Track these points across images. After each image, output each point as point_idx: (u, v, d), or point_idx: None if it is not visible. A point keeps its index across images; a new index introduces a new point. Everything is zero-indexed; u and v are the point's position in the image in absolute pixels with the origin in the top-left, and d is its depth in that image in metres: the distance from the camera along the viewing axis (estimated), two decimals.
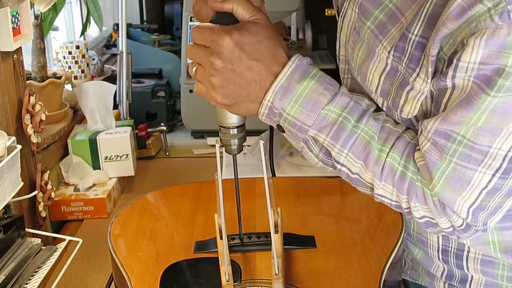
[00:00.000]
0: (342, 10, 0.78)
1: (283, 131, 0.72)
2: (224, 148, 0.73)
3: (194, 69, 0.70)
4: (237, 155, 0.74)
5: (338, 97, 0.69)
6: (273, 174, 0.99)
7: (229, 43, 0.66)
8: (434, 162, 0.66)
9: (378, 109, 0.73)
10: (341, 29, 0.79)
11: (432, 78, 0.65)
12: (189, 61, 0.72)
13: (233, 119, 0.72)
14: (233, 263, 0.74)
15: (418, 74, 0.66)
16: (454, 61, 0.61)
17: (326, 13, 2.60)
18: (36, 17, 1.40)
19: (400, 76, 0.68)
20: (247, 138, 0.75)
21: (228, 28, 0.66)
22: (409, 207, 0.70)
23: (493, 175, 0.64)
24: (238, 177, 0.76)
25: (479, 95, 0.61)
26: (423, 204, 0.69)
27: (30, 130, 1.16)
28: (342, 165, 0.71)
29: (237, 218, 0.78)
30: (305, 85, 0.68)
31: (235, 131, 0.72)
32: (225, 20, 0.67)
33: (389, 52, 0.69)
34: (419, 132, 0.69)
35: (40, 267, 0.93)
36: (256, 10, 0.68)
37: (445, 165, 0.65)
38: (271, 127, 0.83)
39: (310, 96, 0.68)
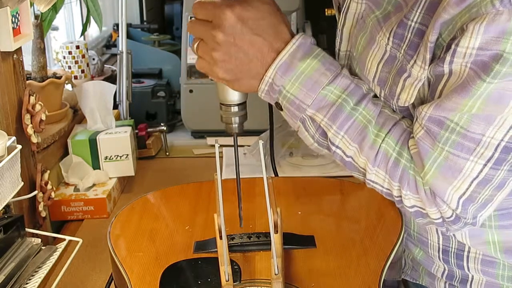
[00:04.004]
0: (344, 5, 0.78)
1: (281, 109, 0.72)
2: (225, 127, 0.73)
3: (195, 44, 0.70)
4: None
5: (339, 79, 0.69)
6: (276, 174, 0.99)
7: (231, 17, 0.66)
8: (427, 150, 0.66)
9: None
10: (343, 24, 0.79)
11: (430, 64, 0.65)
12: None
13: (234, 96, 0.71)
14: (232, 263, 0.74)
15: (415, 61, 0.66)
16: (453, 46, 0.61)
17: (326, 13, 2.59)
18: (36, 17, 1.40)
19: (398, 63, 0.68)
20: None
21: (230, 2, 0.66)
22: (400, 195, 0.70)
23: (485, 165, 0.64)
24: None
25: (475, 81, 0.60)
26: (414, 193, 0.69)
27: (30, 130, 1.16)
28: (337, 147, 0.71)
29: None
30: (307, 63, 0.68)
31: (236, 108, 0.72)
32: None
33: (388, 39, 0.69)
34: (414, 119, 0.69)
35: (40, 267, 0.93)
36: None
37: (437, 153, 0.65)
38: (271, 127, 0.83)
39: (312, 75, 0.68)
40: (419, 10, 0.66)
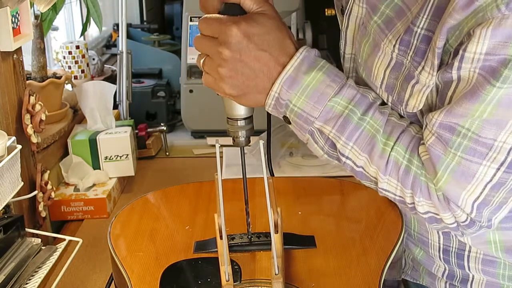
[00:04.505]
0: (347, 7, 0.78)
1: (289, 123, 0.72)
2: (231, 141, 0.73)
3: (202, 60, 0.70)
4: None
5: (345, 90, 0.69)
6: (272, 174, 0.99)
7: (237, 33, 0.66)
8: (439, 156, 0.66)
9: (384, 103, 0.73)
10: (347, 27, 0.79)
11: (438, 70, 0.65)
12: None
13: (240, 111, 0.72)
14: (233, 263, 0.74)
15: (423, 67, 0.66)
16: (460, 52, 0.61)
17: (326, 13, 2.59)
18: (36, 17, 1.40)
19: (405, 70, 0.68)
20: None
21: (236, 18, 0.67)
22: (413, 202, 0.70)
23: (498, 169, 0.64)
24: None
25: (484, 86, 0.60)
26: (427, 199, 0.69)
27: (30, 130, 1.16)
28: (347, 158, 0.71)
29: (245, 214, 0.77)
30: (312, 76, 0.68)
31: (242, 122, 0.72)
32: (233, 11, 0.68)
33: (394, 46, 0.69)
34: (423, 126, 0.69)
35: (40, 267, 0.93)
36: (264, 2, 0.69)
37: (450, 159, 0.65)
38: (268, 128, 0.83)
39: (317, 87, 0.68)
40: (425, 16, 0.66)
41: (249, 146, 1.58)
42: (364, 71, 0.75)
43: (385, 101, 0.73)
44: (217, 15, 0.68)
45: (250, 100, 0.70)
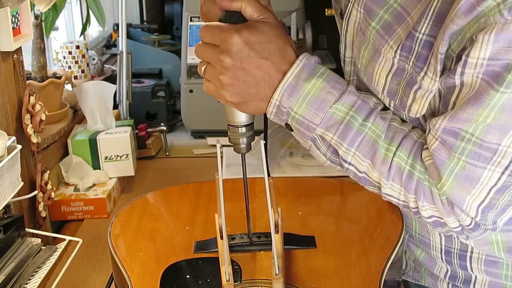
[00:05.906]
0: (347, 11, 0.78)
1: (291, 130, 0.72)
2: (232, 147, 0.73)
3: (203, 68, 0.70)
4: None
5: (346, 96, 0.69)
6: (268, 174, 1.00)
7: (238, 42, 0.66)
8: (443, 160, 0.66)
9: (385, 108, 0.73)
10: (346, 30, 0.79)
11: (441, 76, 0.65)
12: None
13: (241, 118, 0.72)
14: (233, 263, 0.74)
15: (425, 73, 0.66)
16: (463, 57, 0.61)
17: (326, 13, 2.59)
18: (36, 17, 1.40)
19: (407, 76, 0.68)
20: None
21: (237, 26, 0.67)
22: (417, 207, 0.70)
23: (502, 172, 0.64)
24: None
25: (488, 91, 0.60)
26: (431, 204, 0.69)
27: (30, 130, 1.16)
28: (349, 164, 0.71)
29: (246, 217, 0.77)
30: (313, 83, 0.68)
31: (243, 129, 0.72)
32: (234, 19, 0.68)
33: (395, 52, 0.68)
34: (427, 131, 0.69)
35: (40, 267, 0.93)
36: (264, 9, 0.69)
37: (454, 163, 0.65)
38: (265, 128, 0.83)
39: (318, 94, 0.68)
40: (426, 22, 0.66)
41: None
42: (364, 76, 0.75)
43: (387, 106, 0.73)
44: (218, 23, 0.68)
45: (252, 108, 0.70)
